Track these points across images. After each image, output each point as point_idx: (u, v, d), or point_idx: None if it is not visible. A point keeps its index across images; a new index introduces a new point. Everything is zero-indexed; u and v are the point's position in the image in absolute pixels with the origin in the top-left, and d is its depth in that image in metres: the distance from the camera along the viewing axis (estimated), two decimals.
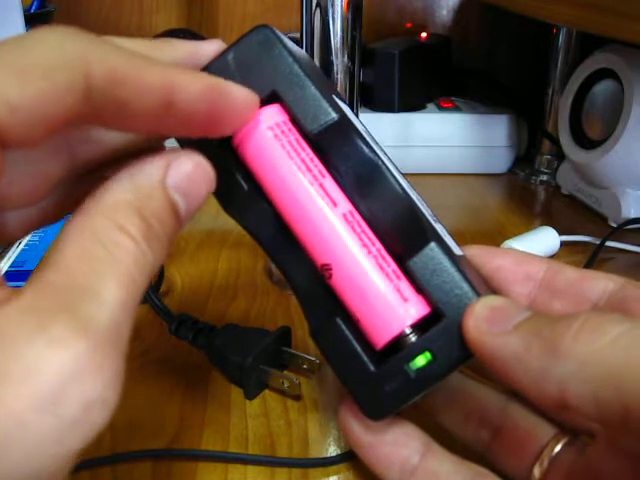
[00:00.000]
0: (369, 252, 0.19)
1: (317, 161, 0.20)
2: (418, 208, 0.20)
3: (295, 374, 0.29)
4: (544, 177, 0.57)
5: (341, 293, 0.20)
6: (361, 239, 0.19)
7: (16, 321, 0.12)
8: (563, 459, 0.21)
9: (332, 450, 0.26)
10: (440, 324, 0.19)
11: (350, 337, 0.20)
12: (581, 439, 0.22)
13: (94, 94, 0.14)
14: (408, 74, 0.55)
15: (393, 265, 0.19)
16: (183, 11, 0.66)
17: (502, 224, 0.48)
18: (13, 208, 0.17)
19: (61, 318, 0.13)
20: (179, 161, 0.16)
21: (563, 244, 0.42)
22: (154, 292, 0.33)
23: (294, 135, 0.20)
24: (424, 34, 0.61)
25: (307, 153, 0.20)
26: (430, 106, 0.57)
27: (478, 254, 0.22)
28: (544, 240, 0.42)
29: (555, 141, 0.54)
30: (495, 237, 0.44)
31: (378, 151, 0.21)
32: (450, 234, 0.22)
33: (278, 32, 0.20)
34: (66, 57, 0.13)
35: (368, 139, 0.21)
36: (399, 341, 0.19)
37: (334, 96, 0.21)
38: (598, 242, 0.42)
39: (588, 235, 0.43)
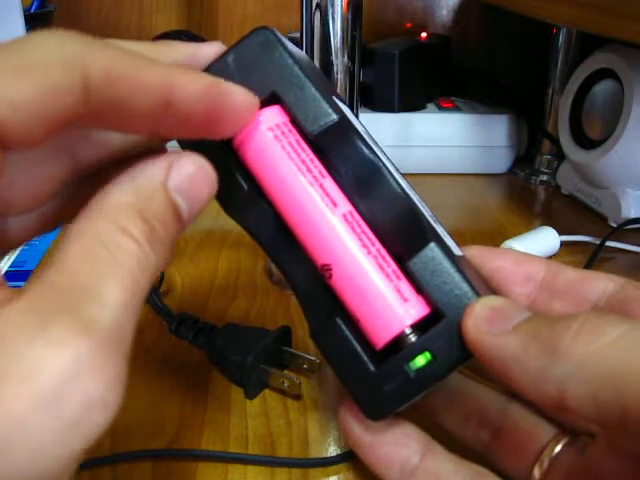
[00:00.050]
0: (369, 252, 0.19)
1: (317, 162, 0.20)
2: (418, 208, 0.20)
3: (295, 374, 0.29)
4: (544, 177, 0.57)
5: (341, 293, 0.20)
6: (361, 239, 0.19)
7: (16, 321, 0.12)
8: (563, 459, 0.21)
9: (332, 450, 0.26)
10: (440, 324, 0.19)
11: (350, 337, 0.20)
12: (581, 439, 0.22)
13: (93, 94, 0.14)
14: (408, 74, 0.55)
15: (393, 265, 0.19)
16: (183, 11, 0.66)
17: (502, 224, 0.48)
18: (15, 213, 0.17)
19: (62, 319, 0.13)
20: (180, 163, 0.16)
21: (563, 244, 0.42)
22: (154, 292, 0.33)
23: (294, 136, 0.20)
24: (424, 34, 0.61)
25: (307, 154, 0.20)
26: (430, 106, 0.57)
27: (478, 254, 0.22)
28: (544, 240, 0.42)
29: (555, 141, 0.54)
30: (495, 237, 0.44)
31: (378, 152, 0.21)
32: (450, 235, 0.22)
33: (278, 34, 0.20)
34: (65, 58, 0.13)
35: (368, 140, 0.21)
36: (399, 341, 0.19)
37: (334, 97, 0.21)
38: (598, 242, 0.42)
39: (588, 235, 0.43)
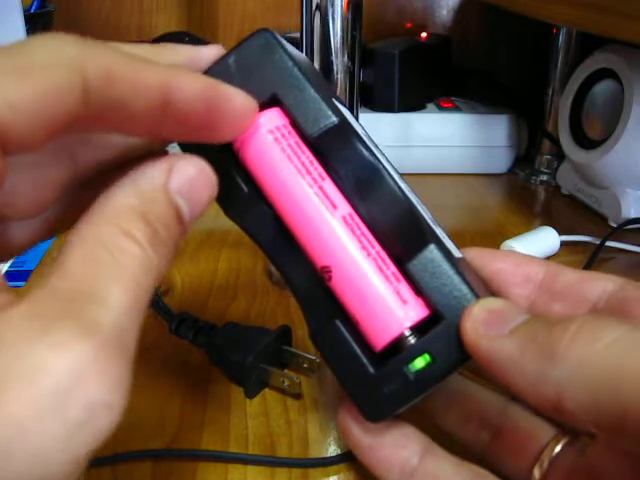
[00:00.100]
0: (368, 254, 0.19)
1: (317, 164, 0.20)
2: (417, 211, 0.20)
3: (295, 373, 0.29)
4: (544, 177, 0.57)
5: (341, 295, 0.20)
6: (360, 241, 0.19)
7: (17, 326, 0.12)
8: (563, 460, 0.21)
9: (332, 450, 0.26)
10: (439, 326, 0.19)
11: (349, 339, 0.20)
12: (581, 439, 0.22)
13: (93, 95, 0.14)
14: (408, 74, 0.55)
15: (392, 267, 0.19)
16: (183, 12, 0.66)
17: (502, 224, 0.48)
18: (18, 217, 0.17)
19: (64, 323, 0.12)
20: (180, 165, 0.16)
21: (563, 244, 0.42)
22: (154, 291, 0.33)
23: (294, 138, 0.20)
24: (424, 34, 0.61)
25: (307, 156, 0.20)
26: (430, 106, 0.57)
27: (477, 256, 0.22)
28: (544, 240, 0.42)
29: (555, 141, 0.54)
30: (495, 237, 0.44)
31: (378, 154, 0.21)
32: (449, 237, 0.22)
33: (278, 36, 0.20)
34: (64, 59, 0.13)
35: (368, 142, 0.21)
36: (398, 343, 0.19)
37: (334, 100, 0.21)
38: (598, 242, 0.42)
39: (588, 235, 0.43)
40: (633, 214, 0.45)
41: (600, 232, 0.43)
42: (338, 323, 0.20)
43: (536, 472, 0.21)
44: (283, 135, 0.20)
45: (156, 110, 0.15)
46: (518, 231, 0.44)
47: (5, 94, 0.13)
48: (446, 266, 0.19)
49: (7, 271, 0.38)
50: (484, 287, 0.21)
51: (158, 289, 0.35)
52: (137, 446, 0.25)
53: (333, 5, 0.32)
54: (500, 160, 0.57)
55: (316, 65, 0.34)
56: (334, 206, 0.20)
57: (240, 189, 0.21)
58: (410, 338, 0.19)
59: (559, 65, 0.55)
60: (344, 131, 0.20)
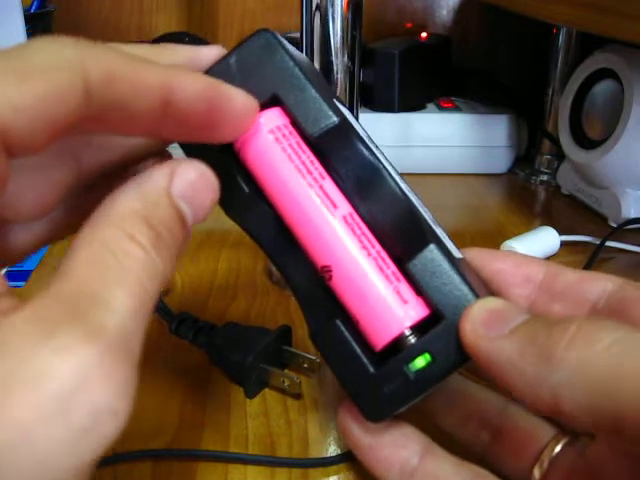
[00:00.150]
0: (369, 254, 0.19)
1: (317, 164, 0.20)
2: (417, 210, 0.20)
3: (296, 373, 0.29)
4: (544, 177, 0.57)
5: (341, 295, 0.20)
6: (361, 241, 0.19)
7: (21, 330, 0.12)
8: (563, 460, 0.21)
9: (332, 450, 0.26)
10: (439, 326, 0.19)
11: (349, 339, 0.20)
12: (581, 440, 0.22)
13: (94, 97, 0.14)
14: (408, 74, 0.55)
15: (393, 267, 0.19)
16: (183, 12, 0.66)
17: (502, 224, 0.48)
18: (22, 220, 0.17)
19: (69, 326, 0.12)
20: (182, 169, 0.16)
21: (563, 244, 0.42)
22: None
23: (295, 138, 0.20)
24: (424, 34, 0.61)
25: (308, 156, 0.20)
26: (430, 106, 0.57)
27: (478, 257, 0.22)
28: (544, 240, 0.42)
29: (555, 141, 0.54)
30: (495, 237, 0.44)
31: (378, 154, 0.21)
32: (449, 237, 0.22)
33: (279, 36, 0.20)
34: (65, 61, 0.14)
35: (368, 142, 0.21)
36: (398, 343, 0.19)
37: (335, 100, 0.21)
38: (598, 242, 0.42)
39: (588, 235, 0.43)
40: (633, 214, 0.45)
41: (600, 232, 0.43)
42: (338, 323, 0.20)
43: (536, 472, 0.21)
44: (284, 135, 0.20)
45: (157, 110, 0.15)
46: (518, 231, 0.44)
47: (7, 96, 0.13)
48: (446, 266, 0.19)
49: (7, 271, 0.38)
50: (484, 287, 0.21)
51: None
52: (137, 446, 0.25)
53: (333, 5, 0.32)
54: (500, 160, 0.57)
55: (316, 65, 0.34)
56: (335, 206, 0.20)
57: (241, 189, 0.21)
58: (410, 338, 0.19)
59: (559, 65, 0.55)
60: (345, 131, 0.20)
